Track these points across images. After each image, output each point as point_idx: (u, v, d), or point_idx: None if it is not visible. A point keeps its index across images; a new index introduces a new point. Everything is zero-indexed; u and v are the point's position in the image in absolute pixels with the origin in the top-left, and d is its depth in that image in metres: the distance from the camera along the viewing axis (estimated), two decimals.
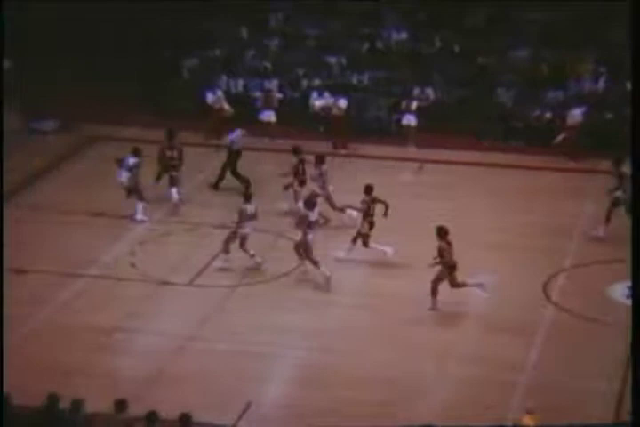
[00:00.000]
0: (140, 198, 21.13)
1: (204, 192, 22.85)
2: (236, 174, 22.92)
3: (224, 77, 27.56)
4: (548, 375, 15.95)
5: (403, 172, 24.13)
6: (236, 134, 23.14)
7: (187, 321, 17.70)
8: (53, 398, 12.95)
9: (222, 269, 19.24)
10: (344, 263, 19.61)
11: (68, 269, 19.08)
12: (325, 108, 25.80)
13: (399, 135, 25.65)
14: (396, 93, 26.89)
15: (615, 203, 20.15)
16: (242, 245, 19.25)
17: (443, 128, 25.55)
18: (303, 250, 18.80)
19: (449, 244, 17.85)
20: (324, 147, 24.95)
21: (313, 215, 18.92)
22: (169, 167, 21.94)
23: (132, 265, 19.51)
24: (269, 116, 25.86)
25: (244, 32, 29.31)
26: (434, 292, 17.87)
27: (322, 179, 21.13)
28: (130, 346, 17.01)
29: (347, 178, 22.61)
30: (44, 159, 24.25)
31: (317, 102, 26.07)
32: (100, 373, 16.10)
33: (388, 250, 19.47)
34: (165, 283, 18.90)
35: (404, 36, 28.60)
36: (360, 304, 18.32)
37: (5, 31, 27.48)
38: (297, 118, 26.19)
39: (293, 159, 21.58)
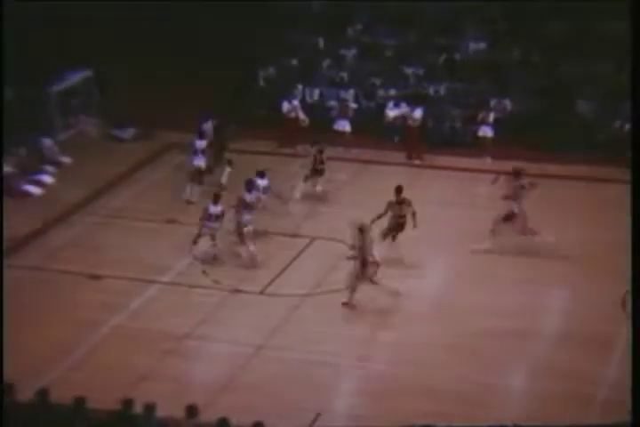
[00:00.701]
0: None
1: (277, 201, 22.87)
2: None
3: (300, 87, 27.64)
4: (624, 391, 15.64)
5: (478, 183, 23.91)
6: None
7: (257, 329, 17.72)
8: (128, 403, 13.03)
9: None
10: (415, 274, 19.50)
11: (141, 275, 19.24)
12: (400, 119, 25.71)
13: (475, 146, 25.45)
14: (473, 104, 26.72)
15: None
16: (194, 241, 19.67)
17: (520, 140, 25.30)
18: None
19: (402, 202, 19.02)
20: (398, 158, 24.88)
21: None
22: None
23: (204, 273, 19.60)
24: (344, 125, 25.87)
25: (321, 42, 29.38)
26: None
27: (519, 193, 20.34)
28: (201, 353, 17.08)
29: (421, 189, 22.46)
30: (122, 166, 24.51)
31: (391, 112, 26.00)
32: (172, 378, 16.20)
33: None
34: (237, 291, 18.96)
35: (482, 46, 28.43)
36: (430, 315, 18.18)
37: (87, 41, 28.07)
38: (372, 128, 26.13)
39: None
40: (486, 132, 25.30)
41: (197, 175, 22.63)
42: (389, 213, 19.61)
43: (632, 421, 11.24)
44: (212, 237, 19.81)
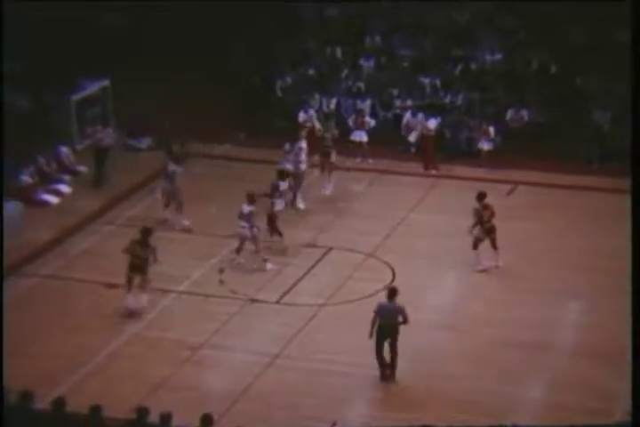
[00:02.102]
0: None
1: (294, 212, 22.87)
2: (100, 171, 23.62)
3: (317, 96, 27.68)
4: None
5: (494, 194, 23.81)
6: (107, 132, 24.29)
7: (273, 339, 17.70)
8: (143, 412, 13.04)
9: None
10: (433, 285, 19.48)
11: (157, 284, 19.24)
12: (414, 128, 25.69)
13: (474, 159, 25.28)
14: (490, 115, 26.71)
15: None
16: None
17: (536, 150, 25.26)
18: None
19: (485, 207, 19.28)
20: (414, 168, 24.87)
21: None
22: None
23: (221, 282, 19.61)
24: (361, 136, 25.85)
25: (339, 52, 29.42)
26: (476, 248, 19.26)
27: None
28: (217, 362, 17.06)
29: (437, 200, 22.45)
30: (138, 176, 24.56)
31: (405, 122, 26.01)
32: (188, 387, 16.20)
33: (490, 264, 19.70)
34: (254, 300, 18.96)
35: (499, 56, 28.42)
36: (446, 325, 18.14)
37: (104, 50, 28.20)
38: (389, 138, 26.12)
39: None
40: (484, 145, 25.24)
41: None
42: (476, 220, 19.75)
43: (632, 421, 11.17)
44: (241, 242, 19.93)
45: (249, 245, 20.00)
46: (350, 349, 17.38)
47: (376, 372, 16.60)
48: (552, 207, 23.00)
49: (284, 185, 20.83)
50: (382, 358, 16.41)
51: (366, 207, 22.96)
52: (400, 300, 18.70)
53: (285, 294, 19.22)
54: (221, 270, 19.97)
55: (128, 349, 17.45)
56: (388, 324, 16.23)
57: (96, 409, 12.84)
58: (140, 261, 18.18)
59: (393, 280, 19.68)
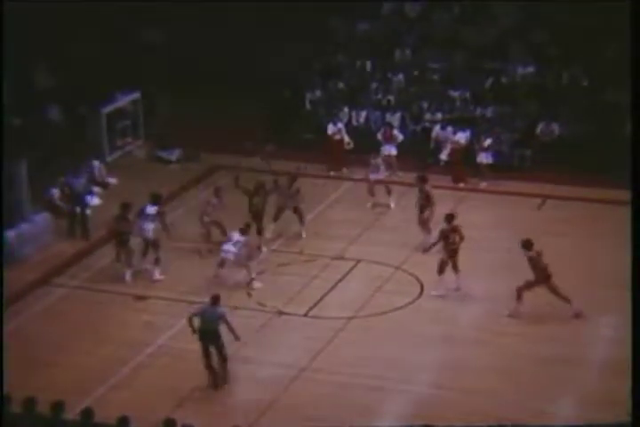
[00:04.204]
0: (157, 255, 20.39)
1: (323, 224, 22.86)
2: None
3: (346, 110, 27.68)
4: None
5: (523, 207, 23.74)
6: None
7: (301, 351, 17.66)
8: (170, 424, 13.01)
9: None
10: (461, 298, 19.39)
11: (185, 296, 19.28)
12: (444, 142, 25.63)
13: (474, 173, 25.13)
14: (520, 128, 26.61)
15: None
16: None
17: (567, 163, 25.12)
18: None
19: (454, 230, 19.19)
20: (444, 181, 24.81)
21: None
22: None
23: (249, 295, 19.60)
24: (390, 149, 25.79)
25: (369, 65, 29.43)
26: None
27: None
28: (244, 374, 17.01)
29: (465, 212, 22.32)
30: (168, 188, 24.63)
31: (434, 135, 25.96)
32: (213, 400, 16.19)
33: (453, 287, 19.48)
34: (281, 313, 18.93)
35: (529, 70, 28.32)
36: (475, 339, 18.03)
37: (135, 62, 28.39)
38: (418, 152, 26.08)
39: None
40: (483, 158, 25.09)
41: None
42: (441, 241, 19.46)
43: (632, 421, 11.04)
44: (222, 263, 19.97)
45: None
46: (377, 362, 17.33)
47: (404, 386, 16.54)
48: (583, 221, 22.85)
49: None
50: (209, 364, 16.42)
51: (395, 220, 22.90)
52: (427, 312, 18.71)
53: (313, 306, 19.17)
54: (250, 282, 19.96)
55: (155, 360, 17.47)
56: (209, 329, 16.31)
57: (124, 421, 12.85)
58: (121, 236, 19.97)
59: (421, 293, 19.61)
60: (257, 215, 21.37)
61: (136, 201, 22.77)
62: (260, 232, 21.46)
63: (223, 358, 16.55)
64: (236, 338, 16.47)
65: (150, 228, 20.23)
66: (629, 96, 26.78)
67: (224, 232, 21.12)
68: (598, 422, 14.27)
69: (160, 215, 20.42)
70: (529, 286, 18.57)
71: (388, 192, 23.45)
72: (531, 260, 18.57)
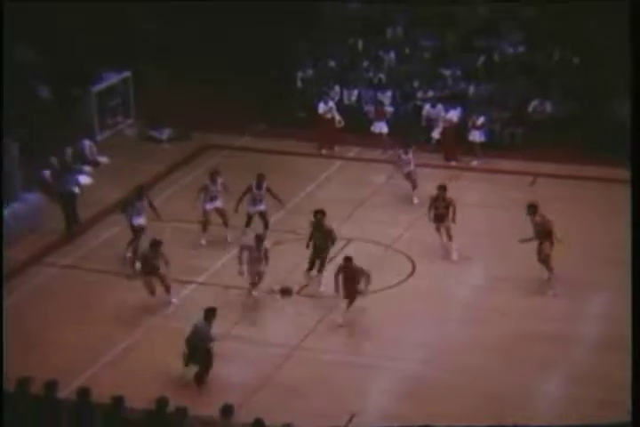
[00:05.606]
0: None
1: (315, 202, 22.82)
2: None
3: (337, 88, 27.61)
4: None
5: (515, 185, 23.74)
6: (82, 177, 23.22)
7: (293, 330, 17.69)
8: (162, 402, 13.05)
9: None
10: (452, 276, 19.43)
11: (176, 275, 19.25)
12: (434, 120, 25.56)
13: (466, 150, 25.09)
14: (512, 106, 26.58)
15: None
16: None
17: (559, 141, 25.12)
18: None
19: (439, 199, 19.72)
20: (435, 159, 24.80)
21: None
22: None
23: (241, 273, 19.58)
24: (381, 127, 25.77)
25: (360, 44, 29.32)
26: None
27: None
28: (236, 353, 17.03)
29: (457, 191, 22.28)
30: (159, 167, 24.58)
31: (425, 113, 25.88)
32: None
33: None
34: (273, 292, 18.92)
35: (521, 48, 28.25)
36: (467, 318, 18.09)
37: (125, 41, 28.23)
38: (410, 130, 26.03)
39: None
40: (476, 136, 25.08)
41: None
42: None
43: (632, 421, 11.10)
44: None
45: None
46: (369, 341, 17.38)
47: (396, 363, 16.58)
48: (574, 199, 22.87)
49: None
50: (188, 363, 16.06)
51: (386, 199, 22.89)
52: (418, 291, 18.75)
53: (306, 285, 19.19)
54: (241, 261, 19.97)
55: (147, 340, 17.49)
56: (198, 346, 15.91)
57: (119, 400, 12.87)
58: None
59: (413, 272, 19.65)
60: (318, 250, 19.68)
61: (127, 180, 22.82)
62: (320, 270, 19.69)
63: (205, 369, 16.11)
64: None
65: (141, 220, 20.07)
66: (621, 75, 26.85)
67: (226, 223, 20.91)
68: (598, 423, 14.30)
69: (149, 204, 20.31)
70: (547, 255, 18.74)
71: (414, 187, 22.72)
72: (536, 225, 18.69)
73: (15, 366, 14.46)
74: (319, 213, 19.37)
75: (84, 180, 23.80)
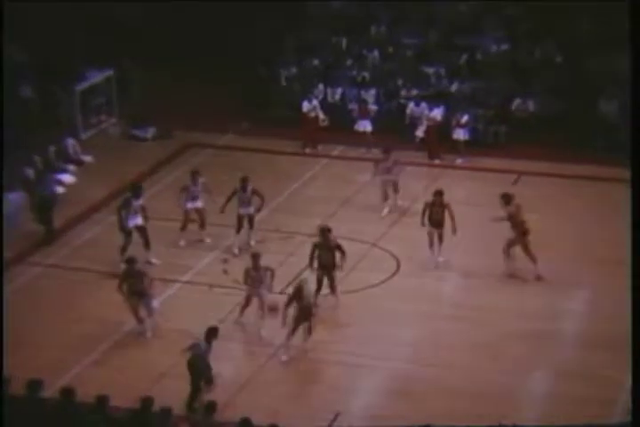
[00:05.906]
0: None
1: (299, 201, 22.85)
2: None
3: (321, 86, 27.61)
4: None
5: (499, 183, 23.78)
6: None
7: (277, 329, 17.66)
8: (147, 402, 13.03)
9: None
10: (437, 275, 19.47)
11: (161, 274, 19.23)
12: (418, 118, 25.58)
13: (450, 149, 25.08)
14: (495, 105, 26.64)
15: None
16: None
17: (542, 139, 25.20)
18: None
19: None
20: (419, 157, 24.84)
21: None
22: None
23: (225, 272, 19.58)
24: (365, 125, 25.80)
25: (344, 42, 29.34)
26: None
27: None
28: (221, 352, 17.00)
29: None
30: (142, 166, 24.54)
31: (409, 112, 25.90)
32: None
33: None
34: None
35: (504, 46, 28.31)
36: (453, 316, 18.13)
37: (109, 40, 28.16)
38: (393, 128, 26.06)
39: None
40: (460, 134, 25.13)
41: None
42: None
43: (632, 421, 11.16)
44: None
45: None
46: (354, 339, 17.40)
47: (380, 362, 16.62)
48: (557, 197, 22.95)
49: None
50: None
51: (370, 197, 22.92)
52: (403, 289, 18.78)
53: (290, 284, 19.18)
54: (225, 260, 19.96)
55: (133, 338, 17.46)
56: (199, 366, 15.64)
57: (103, 399, 12.84)
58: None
59: (398, 270, 19.68)
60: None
61: (110, 179, 22.76)
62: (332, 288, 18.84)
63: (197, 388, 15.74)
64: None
65: (138, 220, 19.94)
66: (602, 71, 26.90)
67: (202, 225, 20.79)
68: (598, 423, 14.36)
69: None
70: (511, 243, 19.07)
71: (396, 191, 22.22)
72: (510, 216, 18.87)
73: None
74: (325, 231, 18.31)
75: (68, 179, 23.77)
